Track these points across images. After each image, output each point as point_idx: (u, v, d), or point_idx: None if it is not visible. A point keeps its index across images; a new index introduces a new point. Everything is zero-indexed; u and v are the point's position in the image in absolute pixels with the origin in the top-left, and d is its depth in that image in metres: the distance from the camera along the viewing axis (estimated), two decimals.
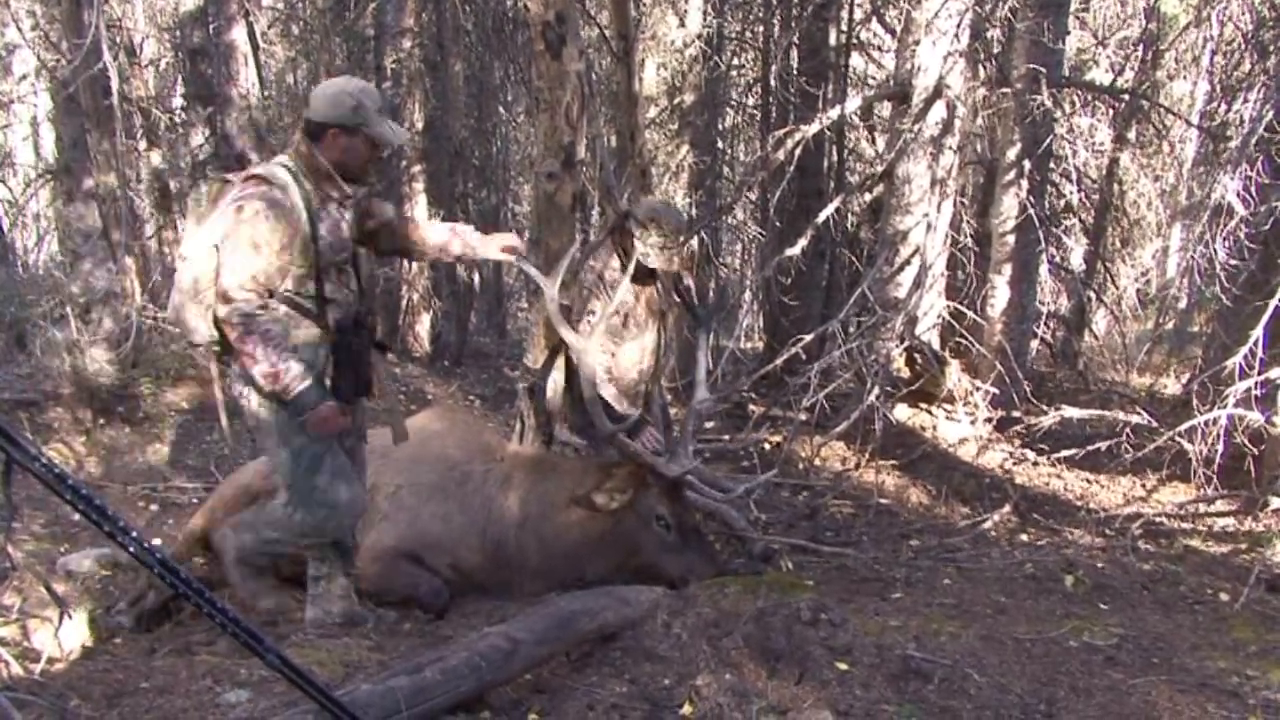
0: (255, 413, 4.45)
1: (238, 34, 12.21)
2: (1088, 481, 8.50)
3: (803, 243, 10.06)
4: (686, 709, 3.43)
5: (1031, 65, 9.39)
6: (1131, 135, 12.53)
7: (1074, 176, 10.69)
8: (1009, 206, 9.92)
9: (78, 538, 6.60)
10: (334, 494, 4.42)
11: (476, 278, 18.29)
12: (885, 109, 13.16)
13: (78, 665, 4.19)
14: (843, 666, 3.71)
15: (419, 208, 14.54)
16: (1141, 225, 12.82)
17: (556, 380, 5.86)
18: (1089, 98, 11.30)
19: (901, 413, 9.62)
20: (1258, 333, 6.55)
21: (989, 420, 9.54)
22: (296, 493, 4.44)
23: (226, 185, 4.43)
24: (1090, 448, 8.16)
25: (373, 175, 4.76)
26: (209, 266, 4.31)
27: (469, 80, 16.15)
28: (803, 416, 8.77)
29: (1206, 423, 6.81)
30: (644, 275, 5.87)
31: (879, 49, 16.20)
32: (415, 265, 14.30)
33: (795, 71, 13.65)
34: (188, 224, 4.55)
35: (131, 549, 2.48)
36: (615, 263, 5.78)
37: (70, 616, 4.81)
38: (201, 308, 4.34)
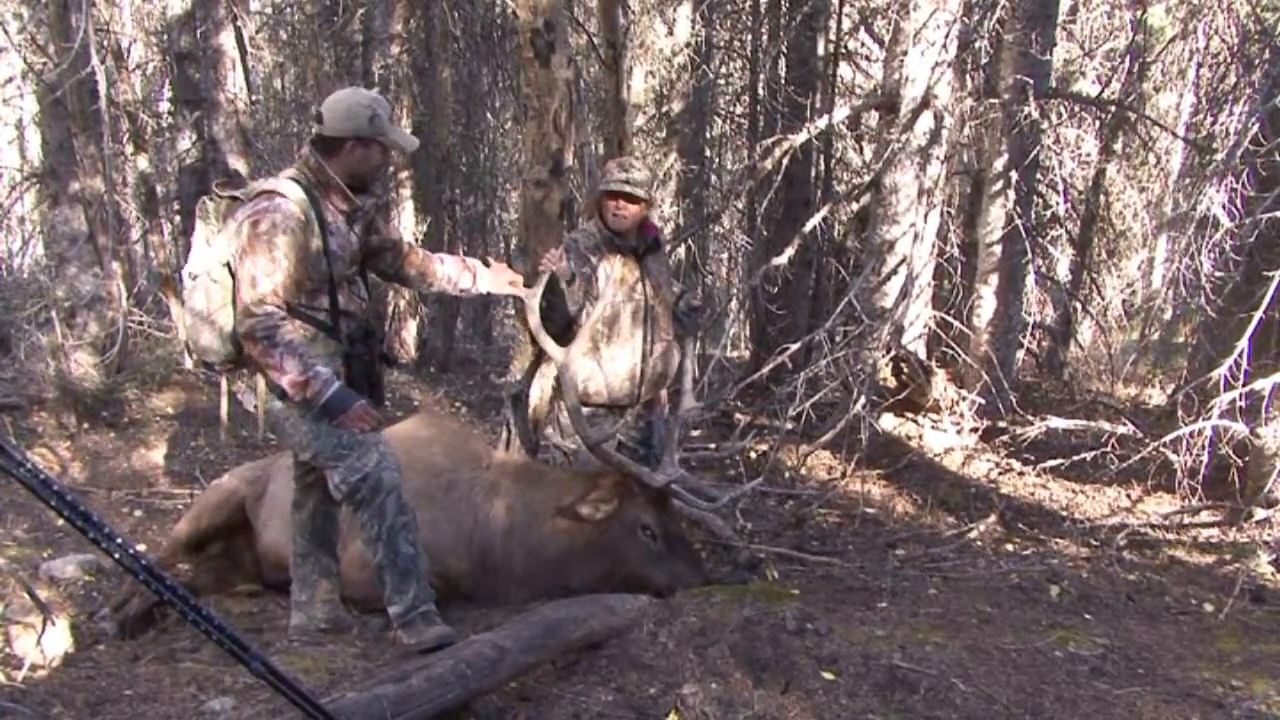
0: (276, 413, 4.45)
1: (226, 38, 12.20)
2: (1073, 492, 8.52)
3: (789, 252, 10.09)
4: (672, 718, 3.43)
5: (1019, 76, 9.42)
6: (1118, 146, 12.60)
7: (1060, 187, 10.72)
8: (996, 217, 9.94)
9: (61, 543, 6.59)
10: (359, 435, 4.33)
11: None
12: (873, 119, 13.22)
13: (60, 672, 4.18)
14: (829, 676, 3.71)
15: (406, 215, 14.54)
16: (1127, 236, 12.88)
17: (543, 386, 5.85)
18: (1076, 109, 11.35)
19: (887, 422, 9.64)
20: (1242, 344, 6.57)
21: (975, 430, 9.56)
22: (328, 455, 4.35)
23: (235, 202, 4.43)
24: (1076, 458, 8.18)
25: (378, 185, 4.76)
26: (221, 286, 4.32)
27: (457, 87, 16.14)
28: (789, 425, 8.77)
29: (1191, 434, 6.83)
30: (622, 246, 5.81)
31: (867, 59, 16.25)
32: None
33: (783, 80, 13.65)
34: (195, 242, 4.53)
35: (116, 555, 2.47)
36: (605, 267, 5.74)
37: (53, 623, 4.79)
38: (214, 328, 4.35)
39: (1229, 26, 9.13)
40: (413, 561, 4.38)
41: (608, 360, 5.78)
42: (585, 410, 5.51)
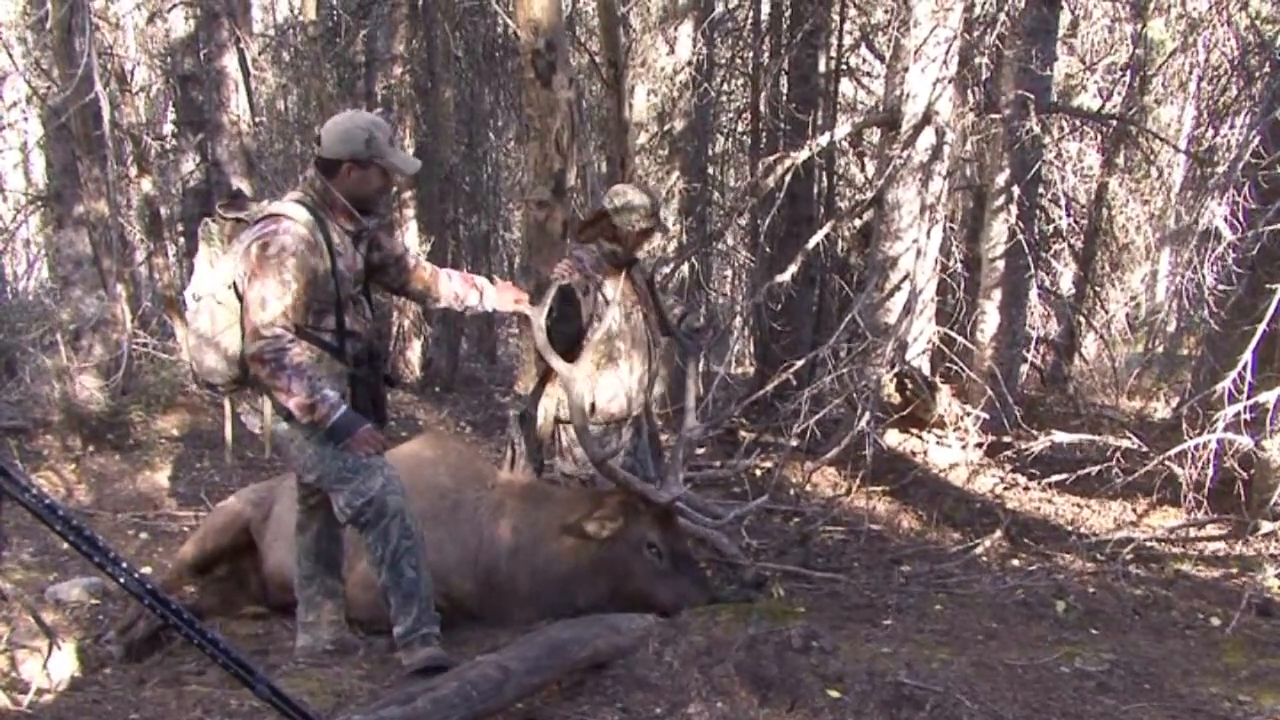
0: (281, 435, 4.48)
1: (229, 61, 12.25)
2: (1078, 506, 8.50)
3: (793, 269, 10.08)
4: None
5: (1020, 91, 9.43)
6: (1120, 160, 12.61)
7: (1063, 201, 10.75)
8: (998, 232, 9.95)
9: (67, 566, 6.59)
10: (364, 459, 4.35)
11: None
12: (875, 135, 13.24)
13: (66, 696, 4.18)
14: (835, 694, 3.71)
15: (410, 234, 14.57)
16: (1130, 250, 12.87)
17: (547, 407, 5.86)
18: (1077, 123, 11.37)
19: (892, 438, 9.63)
20: (1246, 357, 6.56)
21: (979, 445, 9.55)
22: (333, 478, 4.37)
23: (240, 224, 4.45)
24: (1081, 472, 8.16)
25: (382, 206, 4.77)
26: (226, 308, 4.34)
27: (459, 107, 16.20)
28: (793, 442, 8.77)
29: (1196, 447, 6.81)
30: (626, 262, 5.84)
31: (868, 75, 16.30)
32: None
33: (785, 98, 13.69)
34: (198, 263, 4.56)
35: (121, 579, 2.48)
36: (609, 286, 5.76)
37: (59, 647, 4.79)
38: (219, 350, 4.36)
39: (1229, 39, 9.13)
40: (415, 585, 4.39)
41: (626, 375, 5.82)
42: (594, 428, 5.53)
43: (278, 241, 4.21)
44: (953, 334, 9.91)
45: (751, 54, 14.91)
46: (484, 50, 15.90)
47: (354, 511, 4.34)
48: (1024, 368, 11.59)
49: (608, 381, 5.76)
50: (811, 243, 10.31)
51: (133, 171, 13.79)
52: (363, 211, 4.54)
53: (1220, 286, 7.40)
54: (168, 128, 15.93)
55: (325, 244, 4.36)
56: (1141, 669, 4.39)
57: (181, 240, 14.59)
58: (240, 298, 4.29)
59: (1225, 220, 7.20)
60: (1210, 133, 10.23)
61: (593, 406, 5.69)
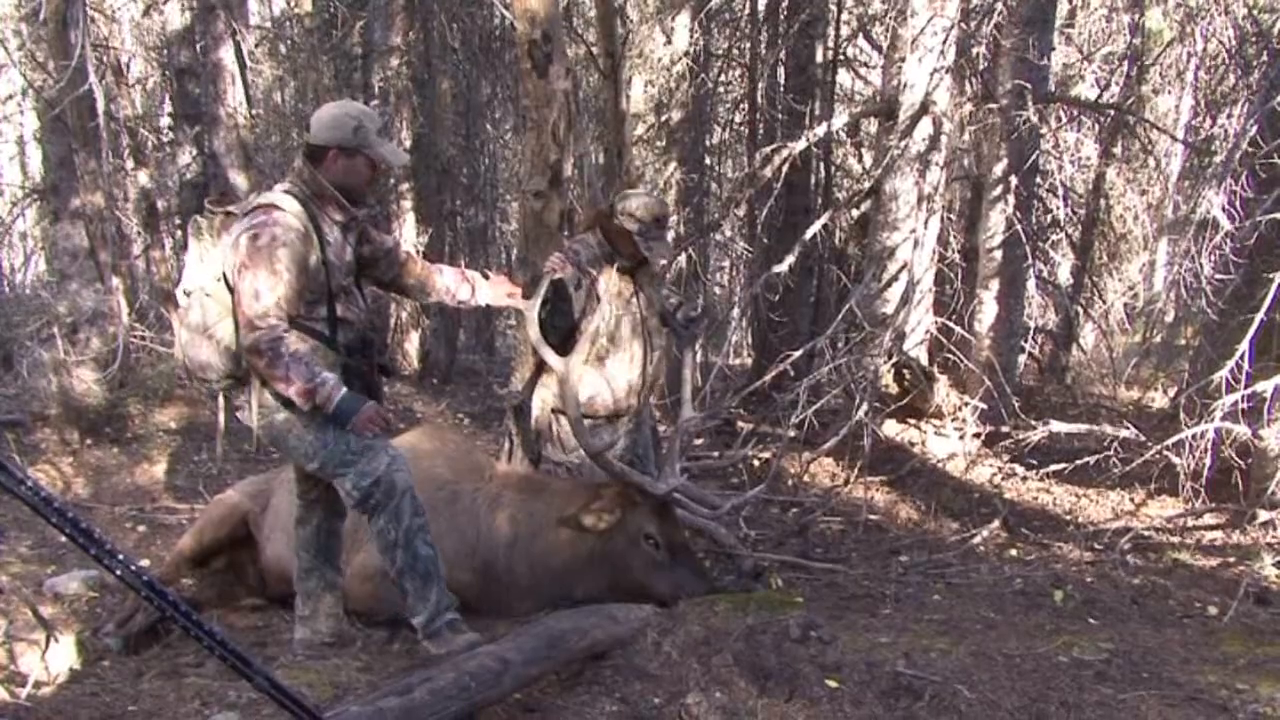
0: (279, 426, 4.44)
1: (225, 53, 12.20)
2: (1076, 496, 8.51)
3: (790, 259, 10.07)
4: None
5: (1017, 81, 9.43)
6: (1117, 150, 12.59)
7: (1060, 191, 10.72)
8: (996, 222, 9.95)
9: (65, 559, 6.57)
10: (367, 440, 4.34)
11: None
12: (872, 125, 13.23)
13: (65, 689, 4.17)
14: (833, 684, 3.71)
15: (407, 226, 14.54)
16: (1128, 239, 12.86)
17: (544, 398, 5.85)
18: (1075, 113, 11.36)
19: (890, 428, 9.63)
20: (1244, 346, 6.56)
21: (977, 435, 9.56)
22: (336, 463, 4.35)
23: (230, 217, 4.43)
24: (1079, 462, 8.16)
25: (371, 198, 4.75)
26: (216, 300, 4.32)
27: (457, 98, 16.15)
28: (791, 433, 8.77)
29: (1194, 436, 6.82)
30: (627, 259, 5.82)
31: (866, 65, 16.28)
32: None
33: (782, 88, 13.71)
34: (189, 259, 4.53)
35: (119, 572, 2.48)
36: (603, 281, 5.75)
37: (57, 639, 4.79)
38: (213, 343, 4.34)
39: (1226, 29, 9.12)
40: (432, 563, 4.38)
41: (612, 373, 5.80)
42: (586, 421, 5.52)
43: (268, 232, 4.19)
44: (950, 324, 9.90)
45: (749, 44, 14.89)
46: (481, 41, 15.85)
47: (361, 494, 4.32)
48: (1022, 358, 11.58)
49: (592, 379, 5.72)
50: (809, 233, 10.31)
51: (129, 164, 13.75)
52: (351, 201, 4.52)
53: (1218, 276, 7.40)
54: (164, 120, 15.89)
55: (316, 234, 4.35)
56: (1139, 658, 4.39)
57: (179, 233, 14.52)
58: (231, 289, 4.28)
59: (1223, 209, 7.20)
60: (1208, 122, 10.24)
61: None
